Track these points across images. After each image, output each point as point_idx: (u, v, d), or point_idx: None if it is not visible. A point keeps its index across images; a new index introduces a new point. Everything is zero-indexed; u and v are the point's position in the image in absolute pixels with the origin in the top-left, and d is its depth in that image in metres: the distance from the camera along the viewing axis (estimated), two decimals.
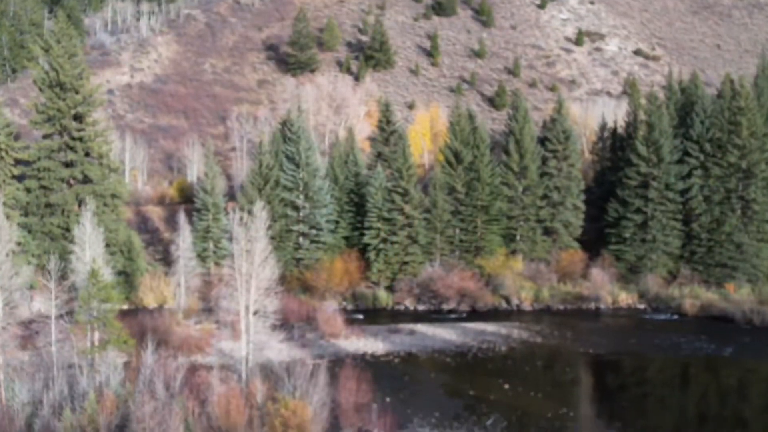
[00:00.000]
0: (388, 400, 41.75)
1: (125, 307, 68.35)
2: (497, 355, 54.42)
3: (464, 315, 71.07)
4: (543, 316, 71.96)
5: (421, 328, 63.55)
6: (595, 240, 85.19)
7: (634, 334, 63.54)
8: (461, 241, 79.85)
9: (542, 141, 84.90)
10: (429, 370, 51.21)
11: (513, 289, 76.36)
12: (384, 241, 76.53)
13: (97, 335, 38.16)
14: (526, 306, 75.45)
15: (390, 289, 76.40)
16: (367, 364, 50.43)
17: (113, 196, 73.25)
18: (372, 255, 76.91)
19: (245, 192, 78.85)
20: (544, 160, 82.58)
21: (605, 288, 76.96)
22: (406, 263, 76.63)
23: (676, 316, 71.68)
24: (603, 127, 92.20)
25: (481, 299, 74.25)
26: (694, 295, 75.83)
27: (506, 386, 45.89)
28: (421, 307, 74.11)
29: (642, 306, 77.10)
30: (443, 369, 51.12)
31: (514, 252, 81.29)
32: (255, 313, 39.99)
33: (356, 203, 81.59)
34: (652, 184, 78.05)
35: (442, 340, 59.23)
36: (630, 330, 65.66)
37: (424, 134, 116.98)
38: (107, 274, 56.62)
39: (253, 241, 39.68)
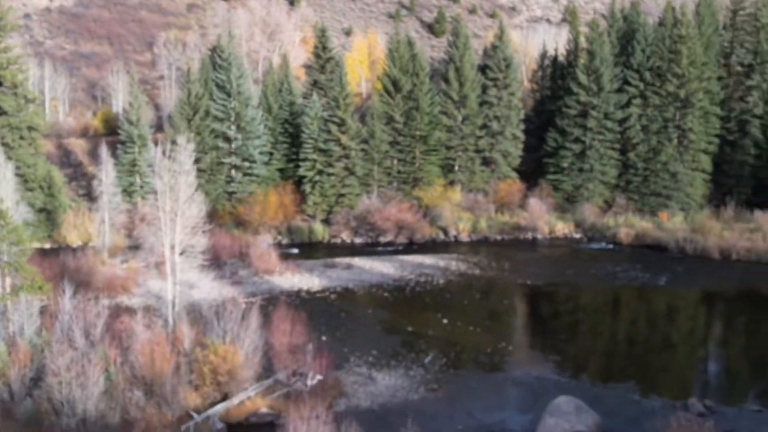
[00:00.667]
0: (324, 339, 40.58)
1: (47, 246, 65.22)
2: (435, 288, 53.67)
3: (402, 247, 70.14)
4: (481, 247, 71.59)
5: (358, 261, 62.32)
6: (533, 170, 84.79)
7: (570, 263, 63.67)
8: (399, 172, 78.35)
9: (482, 69, 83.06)
10: (366, 305, 50.09)
11: (451, 220, 75.64)
12: (320, 173, 74.35)
13: (8, 281, 35.47)
14: (464, 237, 74.96)
15: (326, 222, 74.71)
16: (302, 301, 49.02)
17: (30, 128, 68.54)
18: (308, 187, 74.79)
19: (173, 123, 75.20)
20: (484, 89, 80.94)
21: (542, 218, 76.95)
22: (342, 195, 74.85)
23: (611, 246, 72.21)
24: (543, 55, 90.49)
25: (419, 231, 73.38)
26: (628, 224, 76.50)
27: (444, 321, 45.18)
28: (358, 240, 72.83)
29: (578, 235, 77.48)
30: (381, 304, 50.12)
31: (452, 183, 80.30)
32: (181, 253, 37.75)
33: (291, 134, 78.83)
34: (591, 114, 77.49)
35: (379, 274, 58.16)
36: (566, 260, 65.80)
37: (362, 62, 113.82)
38: (25, 213, 53.63)
39: (177, 175, 37.07)
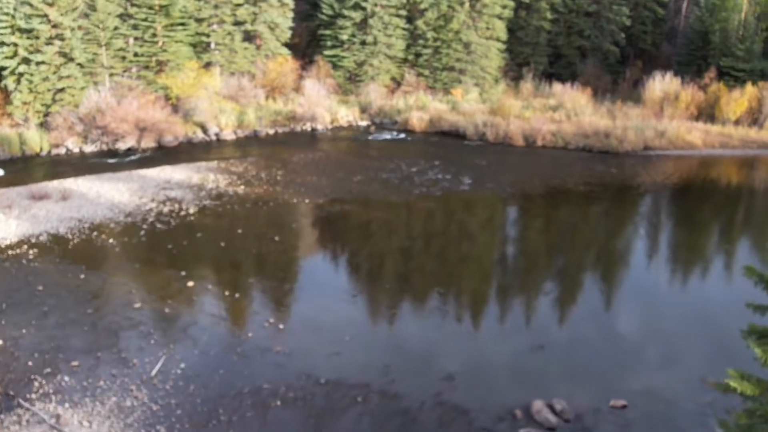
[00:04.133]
0: (6, 343, 25.98)
1: None
2: (182, 224, 39.59)
3: (148, 154, 54.70)
4: (249, 148, 57.95)
5: (81, 185, 46.20)
6: (307, 44, 71.20)
7: (356, 165, 52.01)
8: (137, 55, 60.97)
9: None
10: (79, 266, 34.24)
11: (210, 113, 60.73)
12: (26, 61, 55.18)
13: None
14: (228, 134, 60.67)
15: (44, 127, 56.64)
16: None
17: None
18: (10, 82, 55.55)
19: None
20: None
21: (322, 104, 64.37)
22: (61, 91, 56.57)
23: (403, 135, 61.59)
24: None
25: (169, 131, 57.87)
26: (420, 106, 66.16)
27: (190, 283, 31.89)
28: (89, 149, 55.90)
29: (364, 123, 66.02)
30: (101, 262, 34.69)
31: (208, 65, 64.54)
32: None
33: None
34: None
35: (108, 204, 42.73)
36: (352, 159, 54.14)
37: None
38: None
39: None
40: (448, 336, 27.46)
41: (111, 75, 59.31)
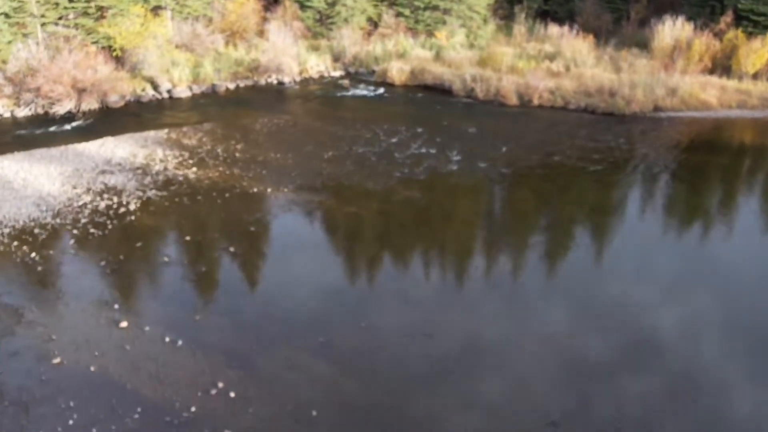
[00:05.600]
0: None
1: None
2: (122, 225, 33.12)
3: (89, 120, 47.67)
4: (206, 108, 50.96)
5: (6, 169, 39.04)
6: None
7: (329, 135, 45.37)
8: (72, 0, 52.80)
9: None
10: None
11: (160, 66, 53.31)
12: None
13: None
14: (182, 90, 53.43)
15: None
16: None
17: None
18: None
19: None
20: None
21: (288, 51, 56.98)
22: None
23: (381, 90, 54.69)
24: None
25: (113, 90, 50.56)
26: (400, 53, 58.93)
27: (123, 324, 25.99)
28: (22, 113, 48.69)
29: (338, 73, 58.82)
30: (16, 293, 27.63)
31: (157, 10, 56.45)
32: None
33: None
34: None
35: (35, 198, 36.03)
36: (322, 126, 47.37)
37: None
38: None
39: None
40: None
41: (43, 25, 51.33)
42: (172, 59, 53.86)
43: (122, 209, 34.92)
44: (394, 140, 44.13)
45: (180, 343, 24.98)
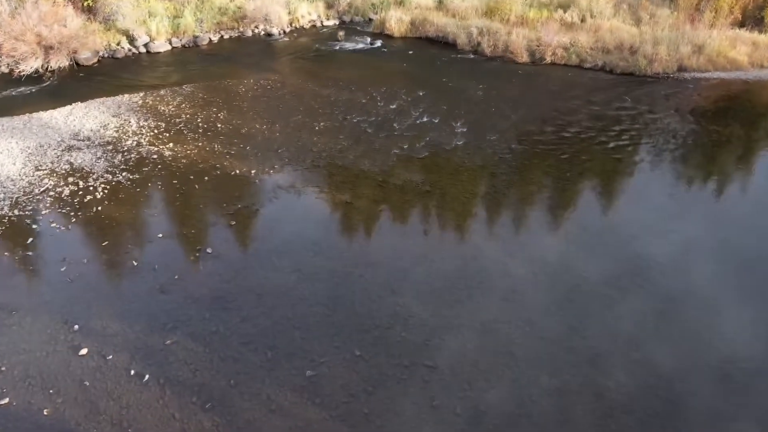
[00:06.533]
0: None
1: None
2: (87, 218, 29.46)
3: (57, 81, 43.48)
4: (187, 66, 46.58)
5: None
6: None
7: (318, 99, 41.32)
8: None
9: None
10: None
11: (136, 17, 48.63)
12: None
13: None
14: (161, 44, 48.92)
15: None
16: None
17: None
18: None
19: None
20: None
21: None
22: None
23: (378, 42, 50.16)
24: None
25: (85, 45, 46.11)
26: (399, 0, 54.06)
27: (83, 351, 22.76)
28: None
29: (332, 22, 54.08)
30: None
31: None
32: None
33: None
34: None
35: None
36: (313, 88, 43.22)
37: None
38: None
39: None
40: None
41: None
42: (149, 9, 49.15)
43: (88, 197, 31.18)
44: (392, 106, 40.05)
45: (147, 377, 21.65)
